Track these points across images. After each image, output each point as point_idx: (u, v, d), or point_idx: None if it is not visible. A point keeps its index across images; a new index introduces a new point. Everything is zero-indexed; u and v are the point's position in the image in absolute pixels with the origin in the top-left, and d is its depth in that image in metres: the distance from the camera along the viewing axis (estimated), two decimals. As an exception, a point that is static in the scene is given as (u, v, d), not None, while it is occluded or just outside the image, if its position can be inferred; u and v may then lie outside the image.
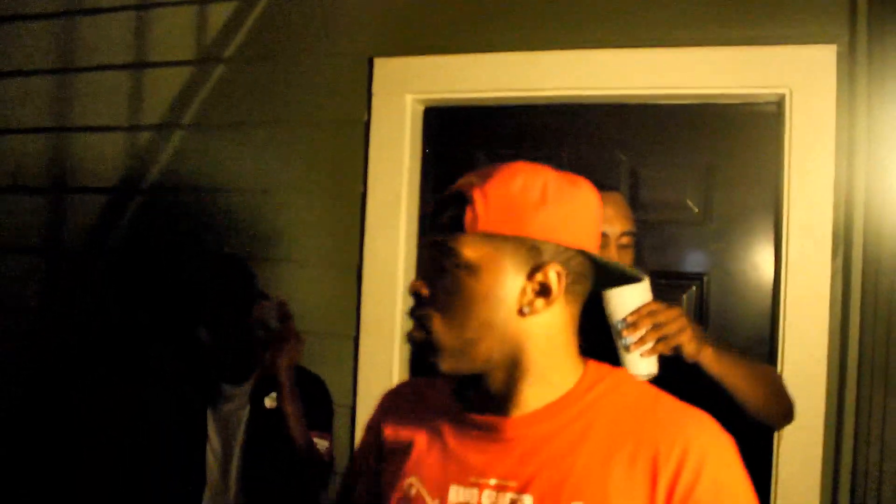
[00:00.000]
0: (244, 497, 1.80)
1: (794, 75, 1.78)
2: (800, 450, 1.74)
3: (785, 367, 1.76)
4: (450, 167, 2.12)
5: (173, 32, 2.24)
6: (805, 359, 1.75)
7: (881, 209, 1.70)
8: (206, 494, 1.82)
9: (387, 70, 2.04)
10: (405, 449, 0.99)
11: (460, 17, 1.99)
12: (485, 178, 0.89)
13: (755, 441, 1.82)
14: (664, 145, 1.97)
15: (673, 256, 1.97)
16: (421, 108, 2.09)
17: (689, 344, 1.30)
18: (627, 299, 1.36)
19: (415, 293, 0.93)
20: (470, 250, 0.88)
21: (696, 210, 1.96)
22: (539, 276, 0.87)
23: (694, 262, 1.96)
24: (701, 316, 1.94)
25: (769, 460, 1.78)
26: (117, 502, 2.06)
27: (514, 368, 0.90)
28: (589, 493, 0.84)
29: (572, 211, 0.89)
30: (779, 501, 1.75)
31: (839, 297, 1.75)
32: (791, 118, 1.78)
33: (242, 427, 1.84)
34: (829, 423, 1.73)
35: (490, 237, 0.87)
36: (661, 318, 1.30)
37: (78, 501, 2.27)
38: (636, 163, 2.00)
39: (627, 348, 1.34)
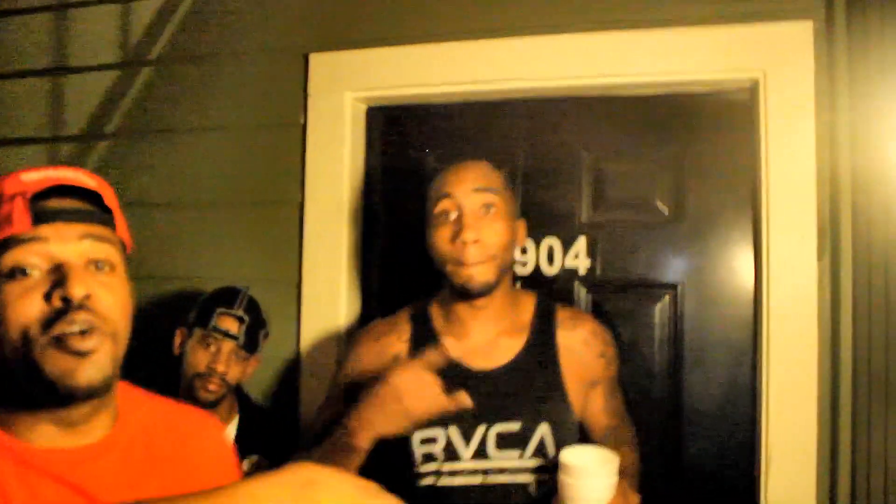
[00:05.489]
0: None
1: (768, 56, 1.61)
2: (791, 476, 1.54)
3: (770, 381, 1.58)
4: (398, 170, 1.93)
5: (94, 34, 2.05)
6: (792, 372, 1.56)
7: (870, 200, 1.51)
8: None
9: (324, 66, 1.86)
10: None
11: (402, 4, 1.82)
12: None
13: (740, 465, 1.64)
14: (629, 140, 1.79)
15: (642, 262, 1.77)
16: (363, 107, 1.91)
17: None
18: (587, 489, 1.17)
19: None
20: None
21: (667, 210, 1.77)
22: None
23: (666, 267, 1.76)
24: (676, 328, 1.74)
25: (752, 489, 1.58)
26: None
27: None
28: None
29: None
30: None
31: (828, 301, 1.56)
32: (766, 104, 1.61)
33: None
34: (822, 443, 1.54)
35: None
36: None
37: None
38: (599, 159, 1.81)
39: None
